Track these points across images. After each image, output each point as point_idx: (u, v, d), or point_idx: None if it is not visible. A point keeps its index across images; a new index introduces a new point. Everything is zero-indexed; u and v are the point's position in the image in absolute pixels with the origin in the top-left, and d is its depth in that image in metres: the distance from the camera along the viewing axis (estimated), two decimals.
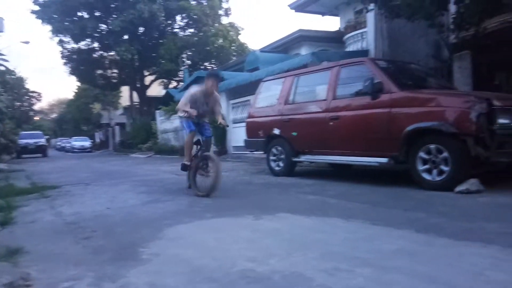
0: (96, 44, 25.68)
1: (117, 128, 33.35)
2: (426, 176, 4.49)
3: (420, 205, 3.73)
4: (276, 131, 6.54)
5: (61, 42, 25.03)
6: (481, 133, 4.08)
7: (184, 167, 5.13)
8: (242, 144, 8.71)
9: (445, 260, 2.14)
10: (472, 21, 6.63)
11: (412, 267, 2.05)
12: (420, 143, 4.55)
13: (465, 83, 7.01)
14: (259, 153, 8.18)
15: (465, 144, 4.16)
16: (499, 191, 4.18)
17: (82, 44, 25.36)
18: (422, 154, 4.51)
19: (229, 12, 25.72)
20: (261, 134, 6.89)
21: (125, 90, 31.60)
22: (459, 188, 4.15)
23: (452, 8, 7.08)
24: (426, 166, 4.49)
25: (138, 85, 26.88)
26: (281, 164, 6.59)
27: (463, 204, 3.66)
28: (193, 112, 4.89)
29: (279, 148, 6.59)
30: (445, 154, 4.30)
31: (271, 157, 6.78)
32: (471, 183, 4.15)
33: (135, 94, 27.63)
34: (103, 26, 24.36)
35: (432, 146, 4.42)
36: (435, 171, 4.42)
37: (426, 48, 8.71)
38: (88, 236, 2.98)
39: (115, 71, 27.58)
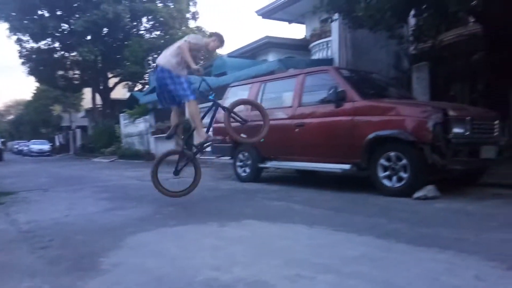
0: (57, 44, 24.76)
1: (78, 131, 32.24)
2: (386, 182, 4.64)
3: (381, 211, 3.85)
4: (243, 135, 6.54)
5: (19, 41, 23.98)
6: (437, 142, 4.27)
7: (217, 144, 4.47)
8: (209, 148, 8.65)
9: (403, 266, 2.22)
10: (429, 34, 6.97)
11: (372, 272, 2.11)
12: (381, 150, 4.70)
13: (423, 93, 7.34)
14: (226, 159, 8.16)
15: (423, 152, 4.34)
16: (453, 197, 4.38)
17: (42, 44, 24.39)
18: (382, 161, 4.66)
19: (196, 16, 25.53)
20: (227, 139, 6.88)
21: (87, 92, 30.60)
22: (417, 194, 4.32)
23: (412, 20, 7.41)
24: (387, 173, 4.64)
25: (101, 87, 26.12)
26: (247, 170, 6.60)
27: (421, 210, 3.81)
28: (198, 68, 4.16)
29: (246, 154, 6.60)
30: (404, 161, 4.46)
31: (238, 163, 6.78)
32: (428, 190, 4.33)
33: (98, 97, 26.82)
34: (65, 26, 23.54)
35: (392, 154, 4.58)
36: (394, 178, 4.57)
37: (387, 58, 9.05)
38: (44, 246, 2.85)
39: (77, 72, 26.67)
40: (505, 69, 6.70)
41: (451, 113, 4.35)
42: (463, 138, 4.38)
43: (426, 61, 7.76)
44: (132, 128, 18.05)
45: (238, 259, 2.42)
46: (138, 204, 4.63)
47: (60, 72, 26.07)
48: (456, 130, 4.34)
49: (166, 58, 4.31)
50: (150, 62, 23.85)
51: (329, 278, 2.05)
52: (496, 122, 4.90)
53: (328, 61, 10.15)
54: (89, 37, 22.81)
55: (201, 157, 12.64)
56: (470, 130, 4.43)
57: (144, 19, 24.54)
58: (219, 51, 4.11)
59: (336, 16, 7.67)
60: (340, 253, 2.48)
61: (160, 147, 15.64)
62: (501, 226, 3.11)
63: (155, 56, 23.86)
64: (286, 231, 3.15)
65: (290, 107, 5.86)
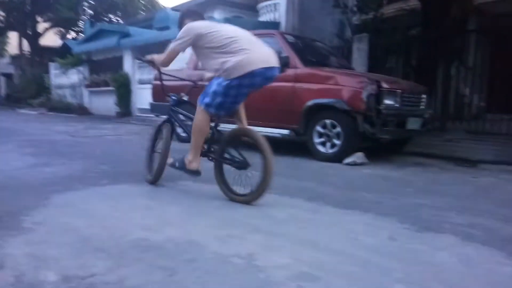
0: None
1: (2, 79, 29.38)
2: (320, 148, 4.85)
3: (313, 175, 4.04)
4: (184, 97, 6.38)
5: None
6: (369, 112, 4.50)
7: None
8: (147, 106, 8.36)
9: (327, 227, 2.37)
10: (372, 6, 7.14)
11: (298, 233, 2.23)
12: (317, 117, 4.86)
13: (361, 64, 7.59)
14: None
15: (355, 121, 4.56)
16: (380, 164, 4.71)
17: None
18: (318, 128, 4.84)
19: None
20: (168, 98, 6.67)
21: (13, 36, 27.68)
22: (347, 160, 4.58)
23: None
24: (322, 139, 4.84)
25: (29, 32, 23.73)
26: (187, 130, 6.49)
27: (349, 175, 4.06)
28: None
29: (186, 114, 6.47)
30: (338, 129, 4.67)
31: (176, 123, 6.64)
32: (358, 156, 4.61)
33: (25, 42, 24.41)
34: None
35: (328, 121, 4.77)
36: (328, 144, 4.79)
37: (332, 27, 9.16)
38: None
39: (2, 13, 23.89)
40: (436, 46, 7.11)
41: (385, 85, 4.58)
42: (393, 109, 4.66)
43: (367, 33, 7.97)
44: (64, 79, 16.78)
45: (170, 219, 2.43)
46: (68, 161, 4.41)
47: None
48: (387, 101, 4.59)
49: (274, 54, 3.04)
50: (85, 8, 22.01)
51: (258, 238, 2.14)
52: (423, 96, 5.25)
53: (275, 25, 10.05)
54: None
55: (140, 115, 12.23)
56: (400, 102, 4.71)
57: None
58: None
59: None
60: (271, 214, 2.58)
61: (95, 101, 14.83)
62: (416, 192, 3.41)
63: (92, 2, 22.04)
64: (220, 192, 3.18)
65: None
